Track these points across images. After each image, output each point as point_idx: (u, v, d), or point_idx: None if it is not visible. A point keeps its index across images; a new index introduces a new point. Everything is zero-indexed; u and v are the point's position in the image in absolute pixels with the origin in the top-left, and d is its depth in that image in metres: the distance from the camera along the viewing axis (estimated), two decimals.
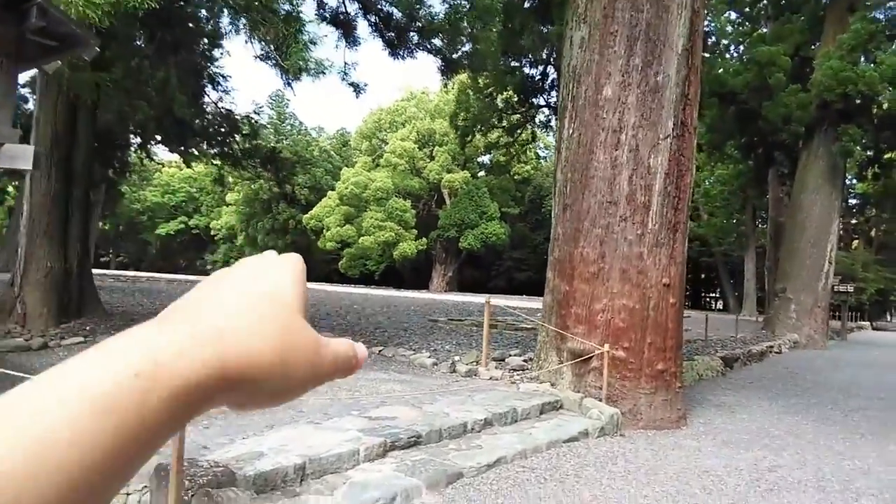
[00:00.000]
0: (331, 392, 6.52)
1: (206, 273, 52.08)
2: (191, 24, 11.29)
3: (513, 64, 19.65)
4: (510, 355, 9.98)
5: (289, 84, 11.10)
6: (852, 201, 40.92)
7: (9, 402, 0.27)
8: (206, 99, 13.74)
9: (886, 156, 22.16)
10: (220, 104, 13.95)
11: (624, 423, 6.79)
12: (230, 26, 11.12)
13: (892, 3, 20.95)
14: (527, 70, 20.04)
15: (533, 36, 17.25)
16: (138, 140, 17.82)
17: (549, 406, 6.90)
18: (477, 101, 22.08)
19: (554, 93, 19.37)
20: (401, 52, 13.42)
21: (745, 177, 29.22)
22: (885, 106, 18.63)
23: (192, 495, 3.66)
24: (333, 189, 45.84)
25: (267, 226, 48.15)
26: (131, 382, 0.29)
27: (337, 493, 4.11)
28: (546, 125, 23.39)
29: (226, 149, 14.44)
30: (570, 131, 7.77)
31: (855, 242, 44.89)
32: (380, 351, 10.51)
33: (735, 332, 18.18)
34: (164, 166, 42.14)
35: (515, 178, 47.46)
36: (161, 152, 32.33)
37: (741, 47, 25.40)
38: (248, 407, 0.36)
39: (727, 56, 25.43)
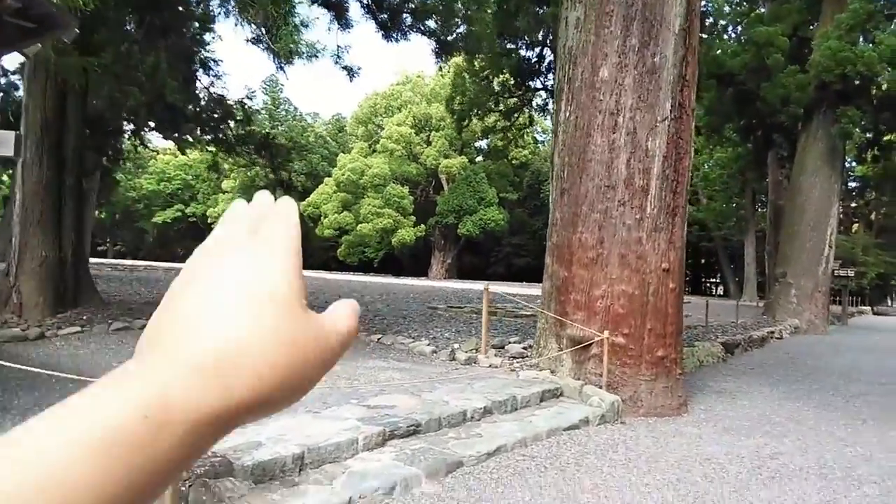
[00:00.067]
0: (329, 381, 6.45)
1: None
2: (180, 8, 11.10)
3: (509, 46, 19.48)
4: (510, 342, 9.92)
5: (281, 68, 10.96)
6: (852, 184, 40.84)
7: (14, 441, 0.27)
8: (198, 84, 13.57)
9: (886, 138, 22.08)
10: (212, 89, 13.78)
11: (624, 411, 6.74)
12: (220, 8, 10.96)
13: None
14: (523, 52, 19.90)
15: (528, 17, 17.06)
16: (131, 127, 17.64)
17: (549, 393, 6.85)
18: (473, 85, 21.89)
19: (551, 75, 19.20)
20: (394, 35, 13.26)
21: (744, 160, 29.06)
22: (885, 87, 18.50)
23: (190, 486, 3.62)
24: (330, 175, 45.66)
25: None
26: (141, 425, 0.28)
27: (336, 482, 4.07)
28: (543, 109, 23.26)
29: (220, 135, 14.29)
30: (567, 114, 7.66)
31: (855, 226, 44.80)
32: (378, 339, 10.45)
33: (736, 318, 18.15)
34: (158, 153, 41.85)
35: (513, 162, 47.27)
36: (155, 139, 32.12)
37: (739, 28, 25.15)
38: (260, 418, 0.34)
39: (725, 37, 25.19)
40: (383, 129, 47.93)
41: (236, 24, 9.56)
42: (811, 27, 21.25)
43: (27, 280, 10.24)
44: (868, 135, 21.50)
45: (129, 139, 19.99)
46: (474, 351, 9.10)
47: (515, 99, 22.30)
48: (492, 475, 4.58)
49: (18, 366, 4.56)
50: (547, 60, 19.59)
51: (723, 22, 26.34)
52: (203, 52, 13.14)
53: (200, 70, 13.25)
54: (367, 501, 3.92)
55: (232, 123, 14.61)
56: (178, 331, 0.33)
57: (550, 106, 20.91)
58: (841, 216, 27.38)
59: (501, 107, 22.68)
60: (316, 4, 12.53)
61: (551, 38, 17.84)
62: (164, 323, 0.34)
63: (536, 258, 34.81)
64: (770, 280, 23.41)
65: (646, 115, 7.13)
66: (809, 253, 19.77)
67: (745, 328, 16.02)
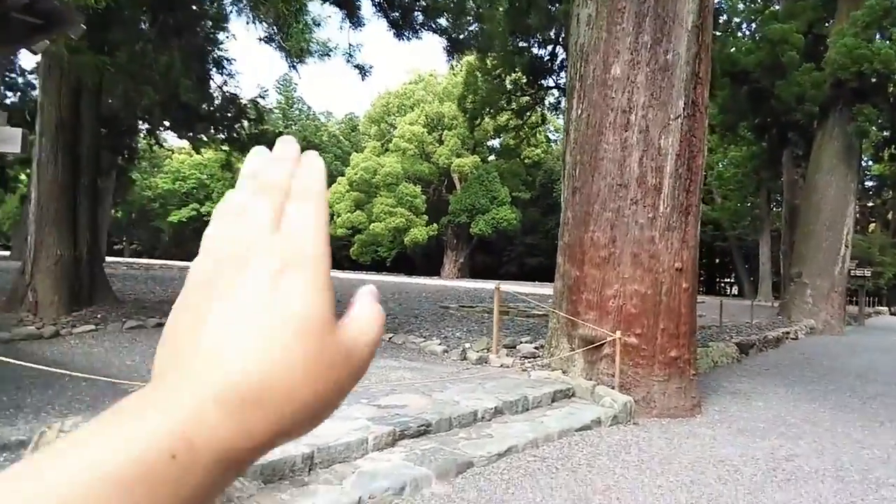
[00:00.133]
0: None
1: None
2: (194, 7, 11.15)
3: (521, 44, 19.38)
4: (521, 342, 9.88)
5: (293, 67, 10.97)
6: (868, 183, 40.39)
7: (40, 474, 0.26)
8: (212, 83, 13.63)
9: None
10: (225, 88, 13.84)
11: (637, 412, 6.68)
12: (232, 7, 10.99)
13: None
14: (535, 50, 19.78)
15: (540, 14, 16.97)
16: (146, 126, 17.77)
17: (561, 394, 6.81)
18: (485, 83, 21.80)
19: (563, 74, 19.10)
20: (406, 33, 13.25)
21: (759, 159, 28.79)
22: None
23: None
24: (343, 175, 45.76)
25: None
26: (168, 465, 0.28)
27: (346, 482, 4.06)
28: (556, 107, 23.16)
29: (233, 134, 14.35)
30: (579, 112, 7.60)
31: (872, 225, 44.23)
32: (390, 338, 10.44)
33: (750, 318, 17.99)
34: (173, 153, 42.13)
35: (526, 161, 47.10)
36: (170, 138, 32.34)
37: (753, 25, 24.93)
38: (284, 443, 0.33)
39: (739, 34, 24.97)
40: (396, 128, 47.98)
41: (248, 23, 9.60)
42: (826, 24, 21.04)
43: (42, 278, 10.33)
44: (885, 133, 21.23)
45: (144, 138, 20.16)
46: (486, 351, 9.07)
47: (528, 97, 22.20)
48: (502, 476, 4.55)
49: (32, 364, 4.59)
50: (559, 58, 19.48)
51: (737, 19, 26.14)
52: (217, 51, 13.19)
53: (214, 69, 13.31)
54: (377, 502, 3.91)
55: (245, 123, 14.67)
56: (201, 355, 0.31)
57: (563, 104, 20.82)
58: (857, 216, 27.04)
59: (514, 105, 22.58)
60: (328, 2, 12.55)
61: (564, 35, 17.75)
62: (185, 342, 0.32)
63: (549, 257, 34.65)
64: (785, 280, 23.19)
65: (658, 112, 7.06)
66: (825, 252, 19.56)
67: (759, 328, 15.87)
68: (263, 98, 15.34)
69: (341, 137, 54.20)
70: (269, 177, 0.35)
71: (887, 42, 17.77)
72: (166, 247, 57.77)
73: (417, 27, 13.41)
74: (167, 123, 16.36)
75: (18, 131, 4.14)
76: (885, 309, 42.42)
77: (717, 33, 20.02)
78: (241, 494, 3.64)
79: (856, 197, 20.89)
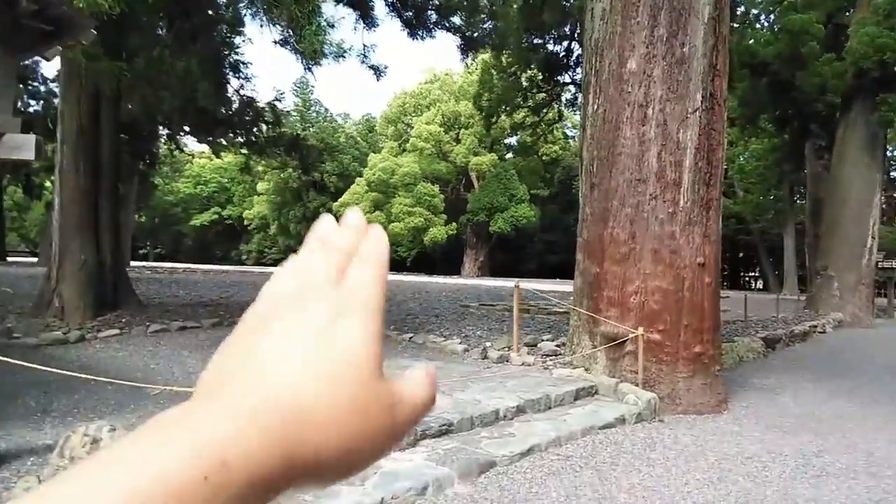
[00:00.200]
0: None
1: (242, 263, 52.61)
2: (209, 12, 11.23)
3: (535, 41, 19.26)
4: (542, 340, 9.82)
5: (308, 69, 11.00)
6: (894, 174, 39.55)
7: (78, 491, 0.26)
8: (229, 87, 13.74)
9: None
10: (242, 92, 13.94)
11: (662, 409, 6.60)
12: (246, 10, 11.04)
13: None
14: (550, 46, 19.64)
15: (555, 10, 16.85)
16: (167, 131, 17.96)
17: (584, 392, 6.74)
18: (501, 81, 21.72)
19: (579, 70, 18.96)
20: (419, 32, 13.23)
21: (781, 151, 28.38)
22: None
23: None
24: (361, 175, 45.91)
25: (298, 214, 48.43)
26: (202, 486, 0.27)
27: (367, 483, 4.05)
28: (573, 103, 22.97)
29: (251, 137, 14.45)
30: (595, 107, 7.53)
31: None
32: (410, 338, 10.44)
33: (776, 312, 17.70)
34: (194, 157, 42.57)
35: (543, 158, 46.90)
36: (190, 143, 32.68)
37: (772, 16, 24.53)
38: (314, 488, 0.33)
39: (757, 26, 24.61)
40: (412, 128, 48.02)
41: (262, 26, 9.63)
42: (847, 13, 20.68)
43: (68, 284, 10.47)
44: None
45: (164, 143, 20.39)
46: (507, 349, 9.02)
47: (544, 94, 22.05)
48: (525, 475, 4.51)
49: (57, 370, 4.64)
50: (575, 54, 19.34)
51: (755, 11, 25.73)
52: (233, 55, 13.29)
53: (231, 73, 13.40)
54: (400, 502, 3.90)
55: (263, 126, 14.77)
56: (245, 376, 0.31)
57: (580, 100, 20.69)
58: (884, 207, 26.53)
59: (530, 102, 22.46)
60: (341, 4, 12.57)
61: (579, 30, 17.62)
62: (232, 363, 0.32)
63: (569, 254, 34.52)
64: (811, 273, 22.81)
65: (676, 106, 6.97)
66: (852, 245, 19.23)
67: (785, 322, 15.60)
68: (280, 101, 15.43)
69: (358, 139, 54.37)
70: (334, 240, 0.37)
71: None
72: (189, 250, 58.48)
73: (431, 26, 13.39)
74: (187, 128, 16.52)
75: (32, 138, 4.18)
76: None
77: (735, 25, 19.75)
78: None
79: (882, 188, 20.50)
